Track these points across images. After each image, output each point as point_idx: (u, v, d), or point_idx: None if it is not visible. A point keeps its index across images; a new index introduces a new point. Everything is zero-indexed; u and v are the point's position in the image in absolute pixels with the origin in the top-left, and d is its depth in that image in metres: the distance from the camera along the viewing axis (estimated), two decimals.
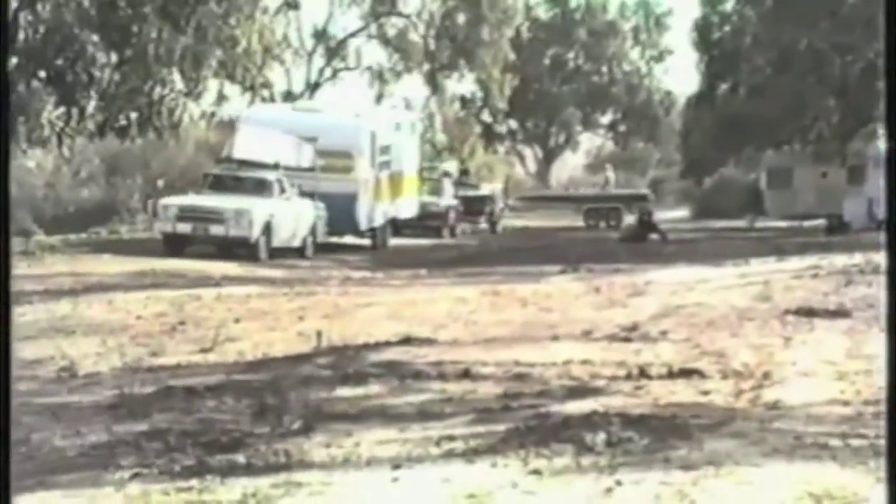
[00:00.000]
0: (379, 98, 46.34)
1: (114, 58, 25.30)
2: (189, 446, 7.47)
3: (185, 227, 25.33)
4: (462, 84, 49.74)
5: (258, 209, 25.26)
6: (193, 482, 6.74)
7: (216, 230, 25.14)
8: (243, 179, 26.44)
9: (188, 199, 26.35)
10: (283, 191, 26.42)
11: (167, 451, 7.39)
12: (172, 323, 14.22)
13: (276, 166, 26.72)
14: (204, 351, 12.12)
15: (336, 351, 11.54)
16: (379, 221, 30.74)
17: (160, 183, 27.68)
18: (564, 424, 7.90)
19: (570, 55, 62.31)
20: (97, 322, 14.40)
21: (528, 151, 65.01)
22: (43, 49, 25.86)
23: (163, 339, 12.94)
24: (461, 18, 43.89)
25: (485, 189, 42.64)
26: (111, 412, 8.71)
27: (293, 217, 26.46)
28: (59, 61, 25.83)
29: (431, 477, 6.89)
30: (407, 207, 33.29)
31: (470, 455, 7.34)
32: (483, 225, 40.80)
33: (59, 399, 9.69)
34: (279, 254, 25.61)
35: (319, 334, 12.22)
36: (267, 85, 30.28)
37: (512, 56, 45.84)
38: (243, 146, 27.04)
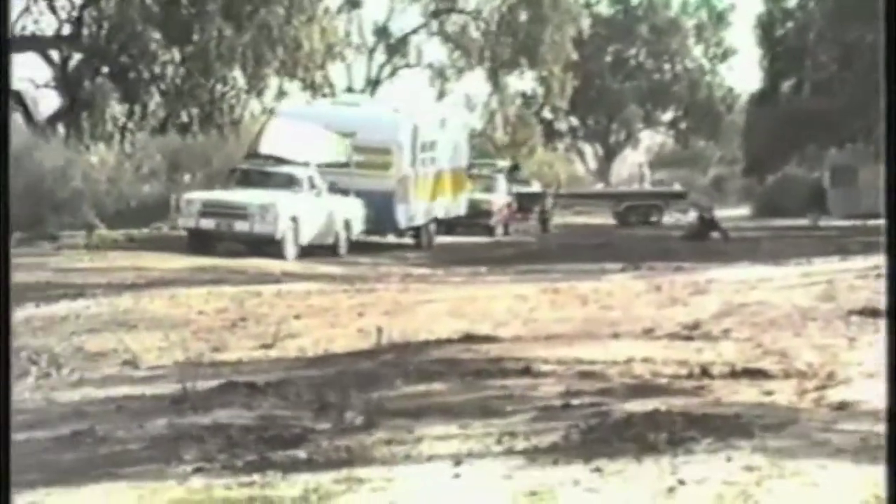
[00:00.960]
0: (440, 95, 46.37)
1: (176, 55, 25.52)
2: (251, 441, 7.50)
3: (208, 223, 24.41)
4: (523, 81, 49.67)
5: (284, 204, 24.36)
6: (255, 477, 6.76)
7: (241, 226, 24.24)
8: (271, 175, 25.51)
9: (212, 193, 25.52)
10: (312, 186, 25.57)
11: (229, 445, 7.42)
12: (233, 318, 14.28)
13: (305, 161, 25.90)
14: (265, 347, 12.17)
15: (397, 347, 11.55)
16: (421, 220, 29.76)
17: (187, 178, 26.93)
18: (626, 423, 7.86)
19: (632, 52, 62.03)
20: (159, 316, 14.48)
21: (588, 149, 64.81)
22: (107, 46, 26.14)
23: (224, 335, 13.00)
24: (522, 16, 43.81)
25: (536, 186, 41.74)
26: (173, 406, 8.76)
27: (324, 213, 25.63)
28: (123, 58, 26.10)
29: (493, 473, 6.87)
30: (454, 206, 32.28)
31: (531, 452, 7.32)
32: (534, 222, 39.70)
33: (122, 392, 9.76)
34: (309, 252, 24.78)
35: (380, 331, 12.23)
36: (328, 82, 30.22)
37: (573, 54, 45.69)
38: (271, 141, 26.12)
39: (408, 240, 29.83)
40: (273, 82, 26.69)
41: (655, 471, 6.81)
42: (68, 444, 7.68)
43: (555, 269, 23.41)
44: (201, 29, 24.52)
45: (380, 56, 45.19)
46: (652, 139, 68.12)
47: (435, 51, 47.03)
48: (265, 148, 25.97)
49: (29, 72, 31.95)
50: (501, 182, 37.42)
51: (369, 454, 7.31)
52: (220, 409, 8.53)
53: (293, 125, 26.63)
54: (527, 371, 10.05)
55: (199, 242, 24.30)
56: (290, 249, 24.34)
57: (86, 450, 7.54)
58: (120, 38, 25.66)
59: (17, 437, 8.01)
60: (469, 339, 12.01)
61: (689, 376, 9.84)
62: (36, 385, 10.42)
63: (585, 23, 47.03)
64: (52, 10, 28.05)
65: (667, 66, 62.89)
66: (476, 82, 48.12)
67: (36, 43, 28.48)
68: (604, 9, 60.70)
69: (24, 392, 10.05)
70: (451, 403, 8.82)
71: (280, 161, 25.67)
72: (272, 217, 24.04)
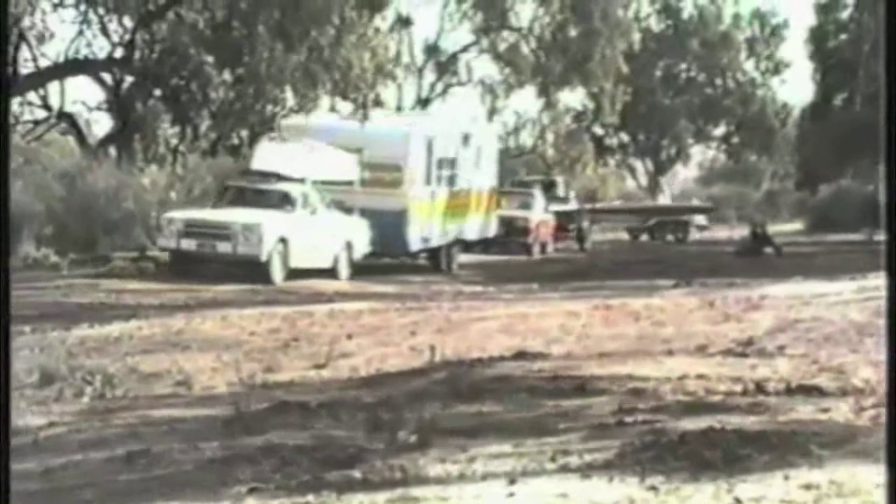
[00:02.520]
0: (491, 113, 46.39)
1: (227, 77, 25.68)
2: (305, 462, 7.50)
3: (189, 244, 22.91)
4: (574, 97, 49.60)
5: (271, 224, 22.85)
6: (310, 497, 6.76)
7: (223, 248, 22.69)
8: (265, 192, 24.14)
9: (194, 212, 24.17)
10: (307, 205, 24.16)
11: (283, 466, 7.43)
12: (286, 339, 14.33)
13: (302, 178, 24.49)
14: (317, 367, 12.20)
15: (449, 365, 11.54)
16: (437, 242, 27.85)
17: (173, 195, 25.53)
18: (681, 440, 7.80)
19: (683, 67, 61.80)
20: (212, 337, 14.56)
21: (639, 165, 64.62)
22: (159, 68, 26.35)
23: (276, 355, 13.04)
24: (573, 32, 43.79)
25: (573, 202, 40.30)
26: (227, 427, 8.78)
27: (320, 234, 23.98)
28: (175, 80, 26.30)
29: (547, 492, 6.84)
30: (481, 227, 30.50)
31: (585, 470, 7.28)
32: (569, 240, 38.09)
33: (176, 413, 9.80)
34: (303, 275, 23.23)
35: (432, 349, 12.23)
36: (379, 102, 30.19)
37: (624, 67, 45.60)
38: (265, 157, 25.02)
39: (419, 262, 28.20)
40: (324, 102, 26.75)
41: (712, 489, 6.75)
42: (123, 465, 7.72)
43: (606, 285, 23.35)
44: (252, 50, 24.65)
45: (430, 74, 45.32)
46: (703, 154, 67.83)
47: (485, 68, 47.04)
48: (257, 164, 25.02)
49: (82, 95, 32.29)
50: (538, 199, 36.20)
51: (423, 473, 7.30)
52: (274, 430, 8.54)
53: (288, 142, 25.53)
54: (580, 388, 10.01)
55: (180, 265, 22.98)
56: (278, 273, 22.83)
57: (141, 470, 7.57)
58: (172, 61, 25.86)
59: (73, 457, 8.08)
60: (522, 356, 11.98)
61: (744, 393, 9.76)
62: (90, 405, 10.49)
63: (636, 37, 46.95)
64: (105, 33, 28.31)
65: (718, 81, 62.59)
66: (527, 99, 48.19)
67: (89, 66, 28.75)
68: (654, 23, 60.53)
69: (79, 412, 10.12)
70: (505, 421, 8.79)
71: (274, 178, 24.47)
72: (256, 238, 22.59)
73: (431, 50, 44.92)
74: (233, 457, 7.73)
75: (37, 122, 33.04)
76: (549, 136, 48.34)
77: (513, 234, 33.38)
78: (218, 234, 22.77)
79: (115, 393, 11.01)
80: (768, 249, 33.60)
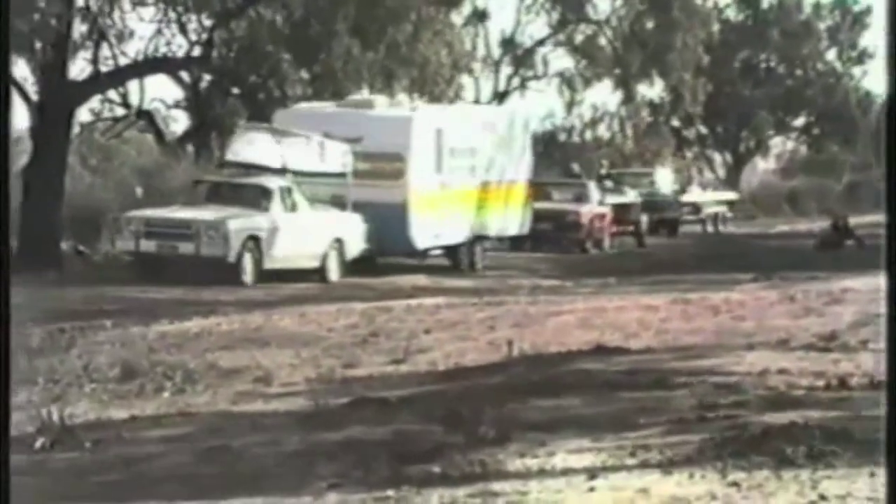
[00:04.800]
0: (569, 106, 46.23)
1: (304, 74, 25.80)
2: (384, 457, 7.51)
3: (149, 245, 21.09)
4: (651, 90, 49.29)
5: (239, 221, 20.98)
6: (390, 492, 6.77)
7: (185, 248, 20.82)
8: (241, 187, 22.25)
9: (155, 211, 22.32)
10: (286, 199, 22.03)
11: (363, 461, 7.44)
12: (364, 334, 14.38)
13: (282, 170, 22.43)
14: (396, 362, 12.23)
15: (528, 360, 11.51)
16: (453, 239, 25.19)
17: (139, 191, 23.77)
18: (763, 436, 7.70)
19: (763, 57, 61.16)
20: (290, 334, 14.64)
21: (717, 157, 64.11)
22: (237, 67, 26.55)
23: (355, 351, 13.09)
24: (651, 23, 43.50)
25: (630, 195, 36.14)
26: (306, 422, 8.82)
27: (302, 231, 21.86)
28: (252, 78, 26.48)
29: (628, 487, 6.80)
30: (510, 222, 27.57)
31: (666, 465, 7.22)
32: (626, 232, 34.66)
33: (256, 408, 9.87)
34: (284, 277, 21.32)
35: (510, 343, 12.20)
36: (457, 96, 29.94)
37: (704, 58, 45.18)
38: (240, 148, 22.95)
39: (442, 261, 25.60)
40: (401, 99, 26.76)
41: (795, 486, 6.66)
42: (205, 460, 7.77)
43: (684, 279, 23.17)
44: (329, 48, 24.72)
45: (507, 68, 45.22)
46: (783, 146, 67.14)
47: (562, 61, 46.85)
48: (231, 154, 23.19)
49: (161, 93, 32.59)
50: (592, 191, 32.97)
51: (503, 468, 7.28)
52: (353, 425, 8.56)
53: (267, 130, 23.67)
54: (659, 383, 9.93)
55: (143, 269, 21.15)
56: (249, 275, 20.96)
57: (222, 465, 7.62)
58: (249, 59, 26.04)
59: (155, 451, 8.16)
60: (600, 350, 11.93)
61: (827, 388, 9.64)
62: (171, 400, 10.59)
63: (715, 28, 46.48)
64: (183, 32, 28.56)
65: (798, 71, 61.85)
66: (605, 92, 47.92)
67: (167, 64, 29.02)
68: (733, 14, 59.94)
69: (160, 407, 10.22)
70: (584, 416, 8.74)
71: (256, 170, 22.55)
72: (221, 236, 20.71)
73: (508, 43, 44.81)
74: (313, 452, 7.76)
75: (116, 120, 33.45)
76: (628, 129, 48.05)
77: (562, 230, 30.75)
78: (179, 233, 21.02)
79: (195, 388, 11.10)
80: (850, 242, 33.15)
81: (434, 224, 24.39)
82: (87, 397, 10.81)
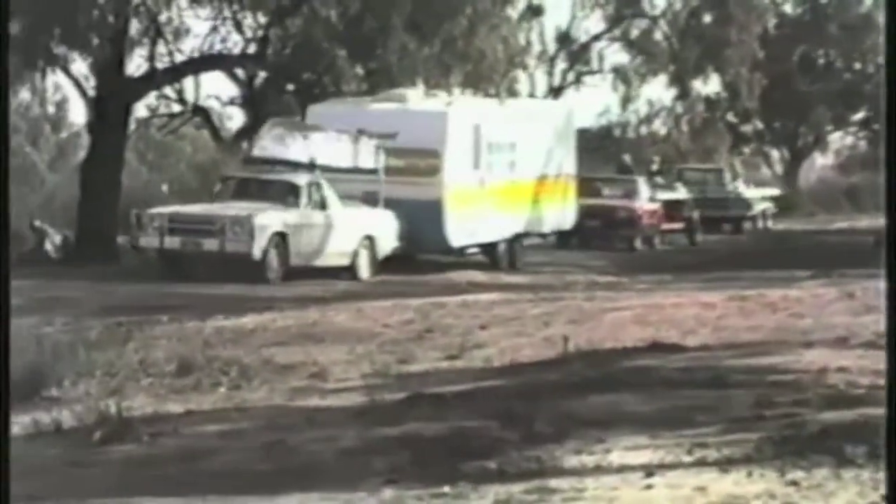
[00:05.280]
0: (624, 101, 46.01)
1: (360, 70, 25.82)
2: (440, 453, 7.50)
3: (173, 242, 20.73)
4: (707, 85, 48.99)
5: (264, 216, 20.64)
6: (446, 488, 6.76)
7: (209, 245, 20.43)
8: (267, 183, 21.93)
9: (180, 207, 22.28)
10: (313, 196, 21.63)
11: (419, 457, 7.43)
12: (419, 330, 14.38)
13: (311, 166, 22.02)
14: (451, 358, 12.22)
15: (584, 356, 11.46)
16: (491, 236, 24.60)
17: (165, 188, 23.47)
18: (822, 434, 7.62)
19: (821, 52, 60.61)
20: (345, 329, 14.66)
21: (774, 153, 63.62)
22: (292, 63, 26.62)
23: (410, 347, 13.09)
24: (707, 18, 43.20)
25: (681, 191, 35.08)
26: (362, 418, 8.82)
27: (330, 229, 21.60)
28: (308, 75, 26.53)
29: (685, 485, 6.74)
30: (552, 219, 26.95)
31: (724, 464, 7.16)
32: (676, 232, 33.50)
33: (311, 404, 9.88)
34: (312, 275, 20.97)
35: (566, 339, 12.16)
36: (512, 92, 29.73)
37: (760, 52, 44.78)
38: (268, 143, 22.60)
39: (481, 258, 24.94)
40: (456, 93, 26.68)
41: (856, 486, 6.58)
42: (261, 455, 7.79)
43: (742, 276, 23.01)
44: (384, 44, 24.71)
45: (562, 63, 45.06)
46: (841, 141, 66.52)
47: (617, 56, 46.63)
48: (258, 150, 22.78)
49: (216, 89, 32.74)
50: (643, 186, 32.06)
51: (559, 464, 7.25)
52: (409, 421, 8.55)
53: (295, 125, 23.42)
54: (717, 380, 9.86)
55: (168, 266, 20.85)
56: (274, 272, 20.62)
57: (278, 461, 7.64)
58: (304, 56, 26.08)
59: (211, 446, 8.18)
60: (657, 347, 11.85)
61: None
62: (227, 395, 10.63)
63: (771, 22, 46.03)
64: (239, 29, 28.67)
65: (857, 66, 61.23)
66: (660, 87, 47.60)
67: (223, 62, 29.15)
68: (790, 8, 59.42)
69: (216, 402, 10.26)
70: (641, 413, 8.69)
71: (284, 165, 22.15)
72: (246, 232, 20.37)
73: (563, 39, 44.67)
74: (368, 448, 7.76)
75: (172, 116, 33.62)
76: (684, 125, 47.77)
77: (611, 227, 30.05)
78: (203, 229, 20.66)
79: (251, 384, 11.14)
80: None
81: (470, 221, 23.85)
82: (144, 391, 10.88)
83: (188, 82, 31.98)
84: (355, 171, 22.53)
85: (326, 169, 22.13)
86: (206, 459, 7.80)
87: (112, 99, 26.31)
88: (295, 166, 22.03)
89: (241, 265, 20.24)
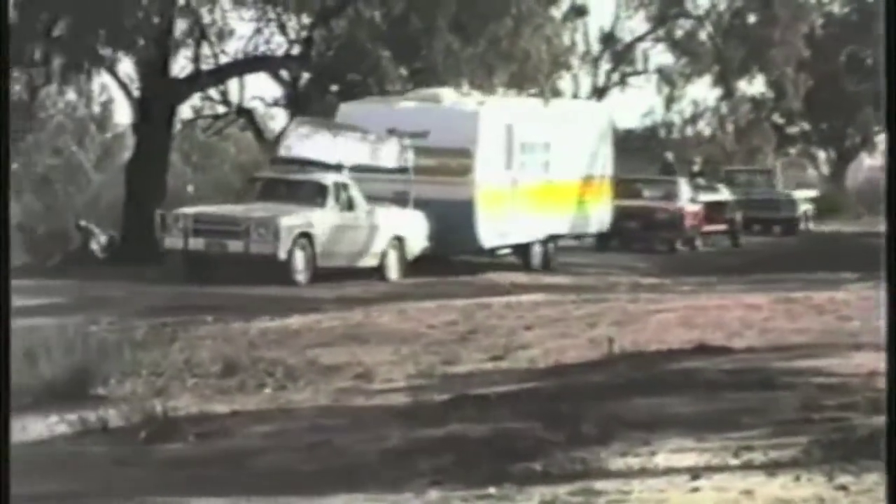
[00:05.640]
0: (668, 102, 45.85)
1: (404, 71, 25.85)
2: (485, 454, 7.48)
3: (198, 243, 20.41)
4: (753, 85, 48.72)
5: (288, 218, 20.29)
6: (491, 490, 6.74)
7: (235, 246, 20.14)
8: (297, 184, 21.50)
9: (205, 207, 21.91)
10: (339, 196, 21.27)
11: (464, 458, 7.41)
12: (463, 331, 14.34)
13: (338, 166, 21.68)
14: (496, 359, 12.18)
15: (629, 358, 11.40)
16: (523, 237, 24.24)
17: (190, 189, 23.22)
18: (871, 439, 7.54)
19: (868, 51, 60.14)
20: (390, 330, 14.65)
21: (821, 154, 63.20)
22: (336, 64, 26.68)
23: (455, 348, 13.06)
24: (752, 18, 42.96)
25: (724, 192, 34.36)
26: (407, 419, 8.81)
27: (357, 229, 21.34)
28: (352, 76, 26.59)
29: (732, 488, 6.70)
30: (587, 220, 26.56)
31: (771, 467, 7.11)
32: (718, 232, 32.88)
33: (356, 404, 9.88)
34: (340, 276, 20.57)
35: (611, 341, 12.10)
36: (556, 92, 29.61)
37: (805, 51, 44.48)
38: (293, 143, 22.23)
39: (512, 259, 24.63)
40: (497, 93, 26.64)
41: None
42: (306, 456, 7.79)
43: (788, 278, 22.85)
44: (429, 44, 24.71)
45: (606, 64, 44.96)
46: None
47: (662, 56, 46.45)
48: (284, 150, 22.41)
49: (260, 91, 32.82)
50: (683, 188, 31.47)
51: (605, 466, 7.22)
52: (454, 422, 8.53)
53: (323, 124, 23.04)
54: (763, 383, 9.78)
55: (193, 268, 20.35)
56: (301, 273, 20.27)
57: (323, 461, 7.64)
58: (349, 57, 26.14)
59: (257, 446, 8.20)
60: (702, 349, 11.78)
61: None
62: (272, 396, 10.64)
63: (817, 22, 45.71)
64: (283, 30, 28.77)
65: None
66: (705, 87, 47.38)
67: (267, 63, 29.25)
68: (837, 8, 59.02)
69: (261, 403, 10.27)
70: (687, 415, 8.64)
71: (311, 165, 21.71)
72: (271, 233, 20.04)
73: (607, 39, 44.57)
74: (414, 449, 7.75)
75: (216, 117, 33.76)
76: (728, 126, 47.53)
77: (650, 228, 29.55)
78: (228, 230, 20.34)
79: (296, 385, 11.14)
80: None
81: (502, 222, 23.46)
82: (190, 391, 10.91)
83: (232, 83, 32.10)
84: (384, 170, 22.27)
85: (354, 168, 21.89)
86: (251, 460, 7.82)
87: (157, 100, 26.45)
88: (322, 166, 21.69)
89: (266, 267, 19.94)
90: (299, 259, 20.26)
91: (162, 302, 17.29)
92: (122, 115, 37.39)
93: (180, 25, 26.96)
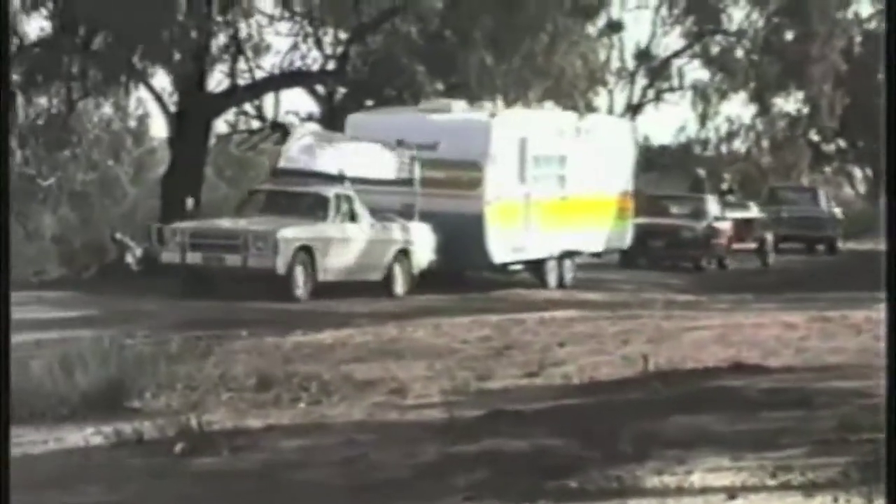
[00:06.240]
0: (703, 118, 45.73)
1: (440, 86, 25.91)
2: (521, 470, 7.46)
3: (195, 258, 19.99)
4: (789, 102, 48.55)
5: (287, 231, 19.82)
6: None
7: (232, 260, 19.70)
8: (294, 196, 20.99)
9: (203, 221, 21.49)
10: (341, 208, 20.85)
11: (499, 474, 7.40)
12: (498, 347, 14.32)
13: (340, 178, 21.17)
14: (530, 375, 12.16)
15: (663, 376, 11.35)
16: (534, 254, 23.57)
17: (189, 202, 22.45)
18: None
19: None
20: (424, 345, 14.64)
21: (857, 172, 62.90)
22: (371, 79, 26.78)
23: (489, 363, 13.04)
24: (789, 35, 42.83)
25: (753, 210, 33.45)
26: (442, 434, 8.79)
27: (362, 243, 20.94)
28: (387, 91, 26.67)
29: None
30: (605, 237, 25.84)
31: (809, 488, 7.06)
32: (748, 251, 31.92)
33: (391, 419, 9.87)
34: (344, 291, 20.13)
35: (645, 358, 12.06)
36: (591, 108, 29.56)
37: (843, 66, 44.28)
38: (294, 154, 21.75)
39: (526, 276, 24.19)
40: (483, 104, 26.50)
41: None
42: (341, 471, 7.79)
43: (822, 297, 22.71)
44: (465, 59, 24.75)
45: (641, 80, 44.90)
46: None
47: (697, 73, 46.34)
48: (284, 162, 21.82)
49: (295, 105, 32.92)
50: (711, 205, 30.89)
51: (640, 484, 7.18)
52: (488, 438, 8.51)
53: (324, 135, 22.78)
54: (800, 402, 9.72)
55: (189, 283, 20.01)
56: (301, 288, 19.84)
57: (357, 476, 7.63)
58: (384, 72, 26.22)
59: (292, 460, 8.20)
60: (738, 368, 11.72)
61: None
62: (307, 411, 10.64)
63: (856, 39, 45.52)
64: (319, 46, 28.88)
65: None
66: (740, 104, 47.22)
67: (303, 78, 29.37)
68: (875, 25, 58.77)
69: (296, 417, 10.27)
70: (723, 434, 8.59)
71: (312, 178, 21.19)
72: (270, 247, 19.59)
73: (643, 55, 44.51)
74: (448, 464, 7.74)
75: (251, 132, 33.88)
76: (764, 143, 47.35)
77: (675, 247, 29.08)
78: (226, 244, 19.94)
79: (331, 399, 11.15)
80: None
81: (515, 237, 22.89)
82: (224, 405, 10.92)
83: (267, 98, 32.23)
84: (389, 182, 21.76)
85: (357, 180, 21.36)
86: (286, 474, 7.82)
87: (193, 114, 26.59)
88: (323, 178, 21.16)
89: (265, 281, 19.60)
90: (299, 273, 19.82)
91: (196, 315, 17.33)
92: (158, 129, 37.61)
93: (217, 41, 27.11)
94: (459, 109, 23.34)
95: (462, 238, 21.62)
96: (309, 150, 21.75)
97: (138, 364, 11.42)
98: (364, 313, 18.39)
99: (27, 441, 9.53)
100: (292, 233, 19.92)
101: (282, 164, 21.87)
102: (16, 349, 11.71)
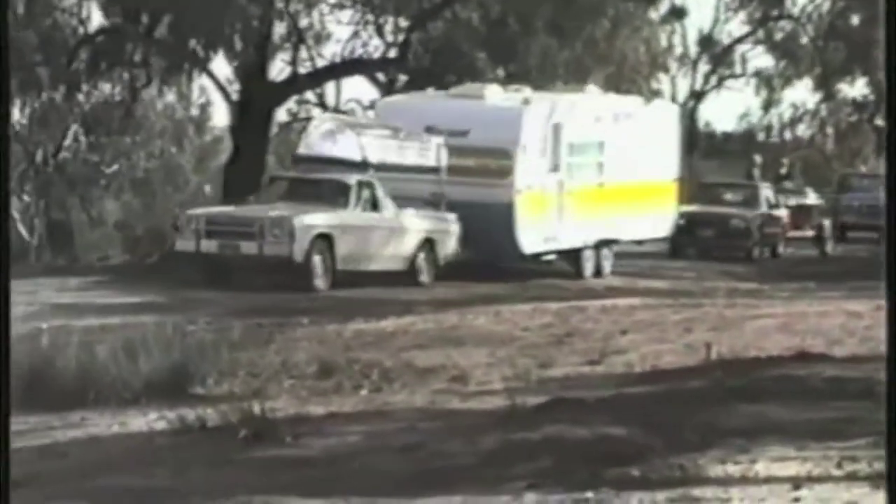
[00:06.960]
0: (766, 106, 45.33)
1: (500, 72, 25.87)
2: (582, 458, 7.42)
3: (210, 245, 19.40)
4: (854, 87, 47.99)
5: (304, 218, 19.23)
6: (588, 494, 6.69)
7: (248, 248, 19.09)
8: (315, 183, 20.37)
9: (219, 208, 21.22)
10: (362, 196, 20.14)
11: (561, 462, 7.37)
12: (559, 335, 14.30)
13: (363, 165, 20.53)
14: (592, 363, 12.12)
15: (726, 364, 11.27)
16: (568, 243, 22.72)
17: (207, 189, 22.43)
18: None
19: None
20: (485, 333, 14.64)
21: None
22: (432, 66, 26.79)
23: (550, 351, 13.02)
24: (854, 19, 42.32)
25: (811, 197, 32.44)
26: (503, 422, 8.77)
27: (384, 232, 20.34)
28: (448, 77, 26.68)
29: (835, 499, 6.58)
30: (645, 225, 24.66)
31: (875, 479, 6.95)
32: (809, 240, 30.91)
33: (452, 407, 9.87)
34: (367, 280, 19.65)
35: (708, 347, 11.98)
36: (655, 94, 29.34)
37: None
38: (315, 141, 21.17)
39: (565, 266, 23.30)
40: (518, 88, 26.32)
41: None
42: (403, 458, 7.79)
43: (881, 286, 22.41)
44: (527, 46, 24.69)
45: (704, 66, 44.57)
46: None
47: (760, 59, 45.89)
48: (304, 148, 21.28)
49: (356, 93, 33.01)
50: (765, 192, 29.82)
51: (704, 473, 7.13)
52: (550, 426, 8.48)
53: (345, 120, 22.33)
54: (866, 392, 9.59)
55: (207, 272, 19.33)
56: (320, 277, 19.20)
57: (419, 463, 7.63)
58: (445, 59, 26.22)
59: (355, 447, 8.21)
60: (802, 356, 11.61)
61: None
62: (369, 398, 10.66)
63: None
64: (380, 34, 28.91)
65: None
66: (804, 90, 46.73)
67: (364, 66, 29.42)
68: None
69: (358, 405, 10.30)
70: (787, 423, 8.50)
71: (334, 164, 20.54)
72: (286, 234, 19.00)
73: (706, 41, 44.15)
74: (510, 452, 7.71)
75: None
76: (829, 129, 46.86)
77: (725, 236, 28.23)
78: (242, 232, 19.34)
79: (392, 387, 11.16)
80: None
81: (547, 227, 22.14)
82: (287, 392, 10.96)
83: (329, 86, 32.33)
84: (414, 169, 21.03)
85: (381, 167, 20.66)
86: (348, 461, 7.83)
87: (255, 103, 26.71)
88: (345, 165, 20.52)
89: (282, 269, 19.02)
90: (317, 262, 19.19)
91: (257, 303, 17.40)
92: (220, 117, 37.84)
93: (278, 29, 27.21)
94: (493, 95, 22.61)
95: (491, 228, 21.03)
96: (330, 136, 21.13)
97: (200, 350, 11.48)
98: (422, 301, 18.38)
99: (91, 424, 9.62)
100: (310, 219, 19.36)
101: (301, 150, 21.42)
102: (82, 333, 11.93)
